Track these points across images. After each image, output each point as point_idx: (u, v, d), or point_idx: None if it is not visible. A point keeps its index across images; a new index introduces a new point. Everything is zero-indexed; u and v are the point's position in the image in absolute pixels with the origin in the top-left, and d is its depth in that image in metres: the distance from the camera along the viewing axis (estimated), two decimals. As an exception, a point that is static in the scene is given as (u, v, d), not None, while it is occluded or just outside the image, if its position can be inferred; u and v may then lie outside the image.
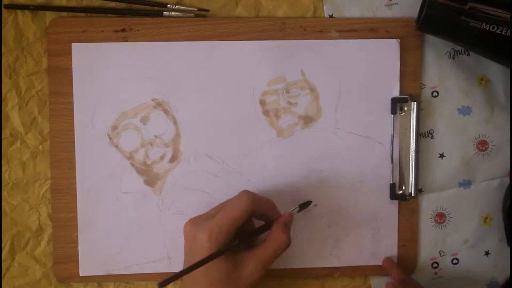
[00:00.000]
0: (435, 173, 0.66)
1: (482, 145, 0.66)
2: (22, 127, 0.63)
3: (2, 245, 0.63)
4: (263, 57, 0.63)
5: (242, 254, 0.57)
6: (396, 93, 0.64)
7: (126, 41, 0.62)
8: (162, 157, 0.63)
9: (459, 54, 0.65)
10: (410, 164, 0.64)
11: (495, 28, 0.58)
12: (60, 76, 0.62)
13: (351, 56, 0.64)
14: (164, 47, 0.62)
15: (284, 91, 0.64)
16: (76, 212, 0.63)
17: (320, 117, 0.64)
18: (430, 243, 0.66)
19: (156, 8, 0.63)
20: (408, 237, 0.66)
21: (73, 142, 0.63)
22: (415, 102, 0.64)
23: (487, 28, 0.58)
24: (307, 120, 0.64)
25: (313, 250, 0.65)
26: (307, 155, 0.64)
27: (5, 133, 0.63)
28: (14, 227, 0.63)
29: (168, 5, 0.63)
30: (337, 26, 0.64)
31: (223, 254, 0.55)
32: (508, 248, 0.66)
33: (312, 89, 0.64)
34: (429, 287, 0.67)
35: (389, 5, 0.64)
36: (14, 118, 0.63)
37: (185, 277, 0.56)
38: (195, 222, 0.58)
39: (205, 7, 0.63)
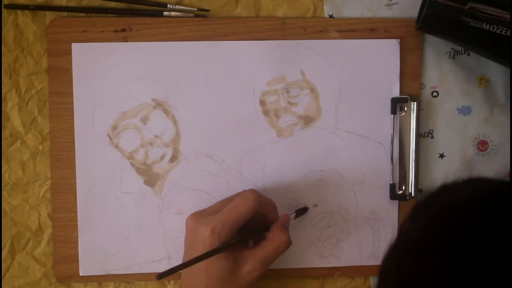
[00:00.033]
0: (435, 173, 0.66)
1: (482, 145, 0.66)
2: (22, 127, 0.63)
3: (2, 245, 0.63)
4: (263, 57, 0.63)
5: (242, 252, 0.57)
6: (396, 93, 0.64)
7: (126, 41, 0.62)
8: (162, 157, 0.63)
9: (459, 54, 0.65)
10: (410, 164, 0.64)
11: (495, 28, 0.58)
12: (60, 76, 0.62)
13: (351, 56, 0.64)
14: (164, 47, 0.62)
15: (284, 91, 0.64)
16: (76, 212, 0.63)
17: (320, 117, 0.64)
18: (430, 243, 0.66)
19: (156, 8, 0.63)
20: (408, 237, 0.66)
21: (73, 142, 0.63)
22: (415, 102, 0.64)
23: (487, 28, 0.58)
24: (307, 120, 0.64)
25: (313, 250, 0.65)
26: (307, 155, 0.64)
27: (5, 133, 0.63)
28: (14, 227, 0.63)
29: (168, 5, 0.63)
30: (337, 26, 0.64)
31: (224, 250, 0.55)
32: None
33: (312, 89, 0.64)
34: (429, 287, 0.67)
35: (389, 5, 0.64)
36: (14, 118, 0.63)
37: (184, 271, 0.56)
38: (198, 216, 0.58)
39: (205, 7, 0.63)
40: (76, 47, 0.62)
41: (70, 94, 0.62)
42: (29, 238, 0.64)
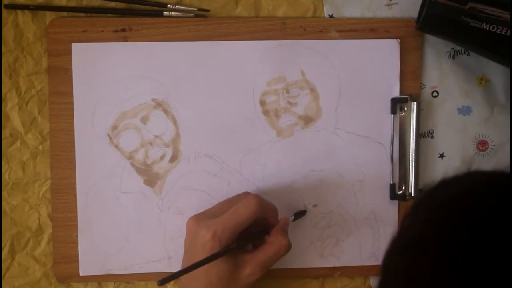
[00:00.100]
0: (435, 173, 0.66)
1: (482, 145, 0.66)
2: (22, 127, 0.63)
3: (2, 245, 0.63)
4: (263, 57, 0.63)
5: (242, 255, 0.57)
6: (396, 93, 0.64)
7: (126, 41, 0.62)
8: (162, 157, 0.63)
9: (459, 54, 0.65)
10: (410, 164, 0.64)
11: (495, 28, 0.58)
12: (60, 76, 0.62)
13: (351, 56, 0.64)
14: (164, 47, 0.62)
15: (284, 91, 0.64)
16: (76, 212, 0.63)
17: (320, 117, 0.64)
18: (430, 243, 0.66)
19: (156, 8, 0.63)
20: (408, 237, 0.66)
21: (73, 142, 0.63)
22: (415, 102, 0.64)
23: (487, 28, 0.58)
24: (307, 120, 0.64)
25: (313, 250, 0.65)
26: (307, 155, 0.64)
27: (5, 133, 0.63)
28: (14, 227, 0.63)
29: (168, 5, 0.63)
30: (337, 26, 0.64)
31: (225, 255, 0.55)
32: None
33: (312, 89, 0.64)
34: (429, 287, 0.66)
35: (389, 5, 0.64)
36: (14, 118, 0.63)
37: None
38: (199, 219, 0.58)
39: (205, 7, 0.63)
40: (76, 47, 0.62)
41: (70, 94, 0.62)
42: (29, 238, 0.64)
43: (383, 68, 0.64)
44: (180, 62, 0.63)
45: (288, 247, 0.58)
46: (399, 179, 0.65)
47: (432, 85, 0.65)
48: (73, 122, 0.62)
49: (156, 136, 0.63)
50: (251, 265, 0.57)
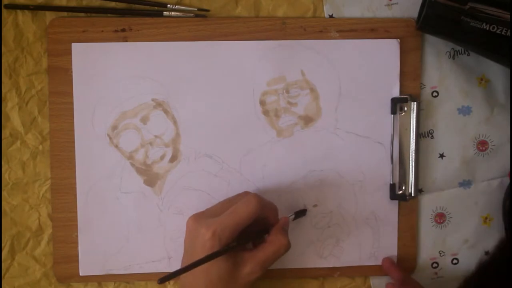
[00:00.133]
0: (435, 173, 0.66)
1: (482, 145, 0.66)
2: (22, 127, 0.63)
3: (2, 245, 0.63)
4: (263, 57, 0.63)
5: (242, 254, 0.57)
6: (396, 93, 0.64)
7: (126, 41, 0.62)
8: (162, 157, 0.63)
9: (459, 54, 0.65)
10: (410, 164, 0.64)
11: (495, 28, 0.58)
12: (60, 76, 0.62)
13: (351, 56, 0.64)
14: (164, 47, 0.62)
15: (284, 91, 0.64)
16: (76, 212, 0.63)
17: (320, 117, 0.64)
18: (430, 243, 0.66)
19: (156, 8, 0.63)
20: (408, 237, 0.66)
21: (73, 142, 0.63)
22: (415, 102, 0.64)
23: (487, 28, 0.58)
24: (307, 120, 0.64)
25: (313, 250, 0.65)
26: (307, 155, 0.64)
27: (5, 133, 0.63)
28: (14, 227, 0.63)
29: (168, 5, 0.63)
30: (337, 26, 0.64)
31: (224, 253, 0.55)
32: (508, 248, 0.66)
33: (312, 89, 0.64)
34: (429, 287, 0.67)
35: (389, 5, 0.64)
36: (14, 118, 0.63)
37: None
38: (199, 218, 0.58)
39: (205, 7, 0.63)
40: (76, 47, 0.62)
41: (70, 94, 0.62)
42: (29, 238, 0.64)
43: (383, 68, 0.64)
44: (180, 62, 0.63)
45: (288, 246, 0.58)
46: (399, 179, 0.65)
47: (432, 85, 0.65)
48: (73, 122, 0.62)
49: (156, 136, 0.63)
50: (251, 263, 0.57)
